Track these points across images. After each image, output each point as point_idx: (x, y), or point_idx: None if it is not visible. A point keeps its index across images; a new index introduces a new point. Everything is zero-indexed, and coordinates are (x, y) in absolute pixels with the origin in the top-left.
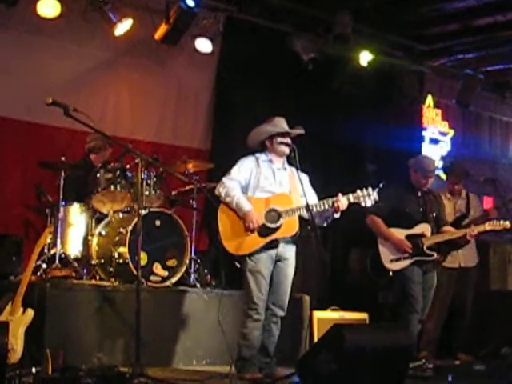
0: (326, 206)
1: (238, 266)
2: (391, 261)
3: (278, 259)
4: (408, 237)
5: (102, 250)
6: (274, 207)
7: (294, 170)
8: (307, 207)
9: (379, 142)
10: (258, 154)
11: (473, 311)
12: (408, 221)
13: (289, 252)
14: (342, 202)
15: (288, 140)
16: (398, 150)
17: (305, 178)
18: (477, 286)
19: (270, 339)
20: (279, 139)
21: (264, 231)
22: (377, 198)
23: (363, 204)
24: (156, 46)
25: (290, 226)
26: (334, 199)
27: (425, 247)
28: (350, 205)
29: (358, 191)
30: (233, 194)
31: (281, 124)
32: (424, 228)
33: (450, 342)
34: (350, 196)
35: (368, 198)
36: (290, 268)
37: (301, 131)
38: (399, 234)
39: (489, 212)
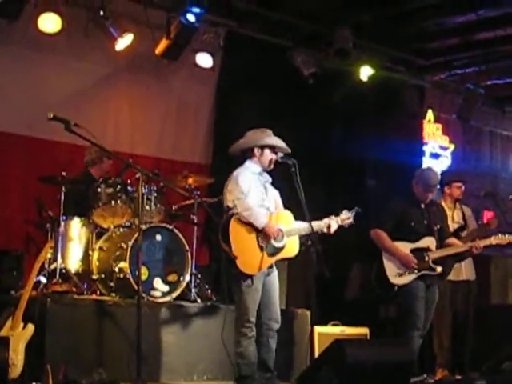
0: (325, 230)
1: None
2: (396, 275)
3: (267, 274)
4: (413, 250)
5: (103, 264)
6: (279, 226)
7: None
8: (311, 228)
9: (379, 156)
10: (248, 164)
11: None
12: (413, 234)
13: (274, 265)
14: (334, 226)
15: (275, 156)
16: (399, 165)
17: (277, 193)
18: (477, 300)
19: (268, 354)
20: (269, 152)
21: (271, 250)
22: (353, 222)
23: (344, 227)
24: (157, 60)
25: (292, 247)
26: (327, 222)
27: (430, 261)
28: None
29: (341, 215)
30: (250, 206)
31: (273, 137)
32: (429, 241)
33: (432, 358)
34: (339, 219)
35: (347, 220)
36: (276, 280)
37: (287, 150)
38: (404, 247)
39: (489, 222)
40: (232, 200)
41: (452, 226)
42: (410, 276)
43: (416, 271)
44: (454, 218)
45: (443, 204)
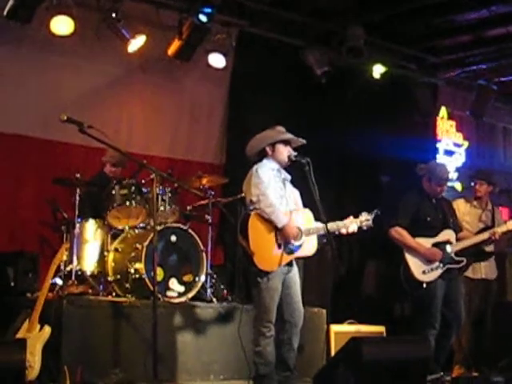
0: (343, 231)
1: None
2: (423, 272)
3: (287, 272)
4: (434, 245)
5: (118, 265)
6: (297, 224)
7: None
8: (326, 228)
9: (393, 154)
10: (265, 161)
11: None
12: (430, 229)
13: (293, 262)
14: (352, 227)
15: (289, 149)
16: (413, 162)
17: (297, 192)
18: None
19: (289, 353)
20: (282, 147)
21: (289, 248)
22: (372, 225)
23: (363, 229)
24: (169, 61)
25: (309, 246)
26: (347, 224)
27: (453, 254)
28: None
29: (360, 217)
30: (273, 203)
31: (283, 132)
32: (448, 234)
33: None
34: (358, 221)
35: (366, 222)
36: (297, 277)
37: (302, 141)
38: (426, 243)
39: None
40: (257, 195)
41: (478, 226)
42: (437, 271)
43: (442, 265)
44: (482, 217)
45: (474, 200)
